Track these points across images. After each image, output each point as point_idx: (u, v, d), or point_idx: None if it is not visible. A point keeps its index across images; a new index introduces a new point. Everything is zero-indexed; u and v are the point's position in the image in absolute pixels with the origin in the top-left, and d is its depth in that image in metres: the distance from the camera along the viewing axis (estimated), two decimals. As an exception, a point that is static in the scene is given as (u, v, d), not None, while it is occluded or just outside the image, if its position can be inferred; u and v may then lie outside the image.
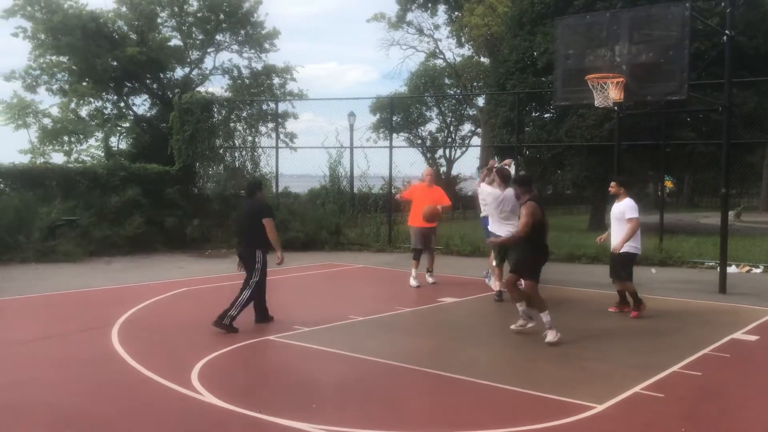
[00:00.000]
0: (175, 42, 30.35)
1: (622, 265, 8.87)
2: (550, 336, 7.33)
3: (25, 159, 22.38)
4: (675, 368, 6.47)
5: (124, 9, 28.16)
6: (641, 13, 10.41)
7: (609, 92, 9.99)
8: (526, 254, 7.58)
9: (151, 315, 8.97)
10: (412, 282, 11.12)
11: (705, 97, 14.32)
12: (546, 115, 23.39)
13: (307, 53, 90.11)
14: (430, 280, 11.43)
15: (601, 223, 21.60)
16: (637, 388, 5.82)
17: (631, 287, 8.92)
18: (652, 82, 10.08)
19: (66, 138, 24.56)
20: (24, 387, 5.84)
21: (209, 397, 5.51)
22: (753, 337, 7.92)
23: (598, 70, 10.29)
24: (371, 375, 6.32)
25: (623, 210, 8.77)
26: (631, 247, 8.79)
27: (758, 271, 13.58)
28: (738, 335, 7.97)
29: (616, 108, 11.33)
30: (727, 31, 10.89)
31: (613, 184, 9.02)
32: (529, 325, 7.80)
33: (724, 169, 11.26)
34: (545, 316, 7.37)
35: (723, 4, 14.78)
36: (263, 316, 8.36)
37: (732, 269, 12.98)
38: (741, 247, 15.36)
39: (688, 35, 9.86)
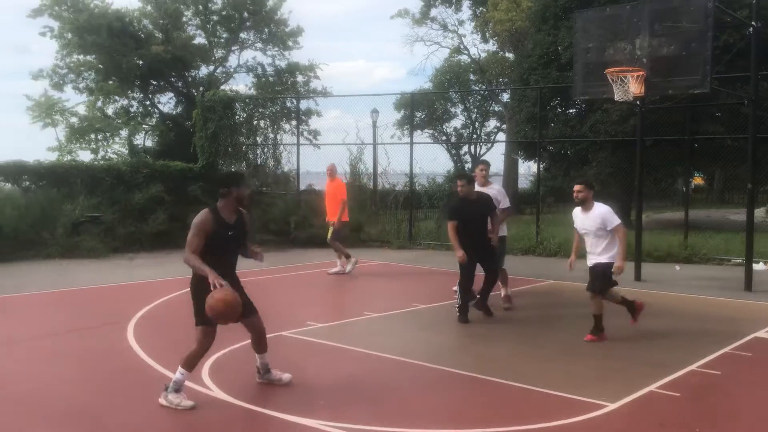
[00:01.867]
0: (200, 40, 30.58)
1: (601, 276, 7.32)
2: (165, 399, 5.21)
3: (52, 156, 22.66)
4: (693, 366, 6.34)
5: (149, 8, 28.45)
6: (663, 5, 10.16)
7: (629, 86, 9.80)
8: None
9: (169, 311, 9.03)
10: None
11: (732, 91, 14.03)
12: (570, 111, 23.10)
13: (335, 51, 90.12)
14: (339, 268, 12.12)
15: (624, 220, 21.28)
16: (652, 387, 5.70)
17: (600, 306, 7.41)
18: (674, 75, 9.84)
19: (93, 136, 24.82)
20: (38, 380, 5.90)
21: (218, 393, 5.51)
22: (777, 336, 7.74)
23: (618, 63, 10.09)
24: (383, 372, 6.28)
25: (603, 219, 7.23)
26: (611, 257, 7.29)
27: (786, 268, 13.27)
28: (762, 334, 7.77)
29: (637, 102, 11.13)
30: (753, 23, 10.66)
31: (579, 187, 7.37)
32: (284, 376, 5.79)
33: (751, 164, 11.03)
34: (179, 374, 5.29)
35: (749, -5, 14.47)
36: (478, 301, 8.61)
37: (759, 266, 12.69)
38: (769, 244, 15.02)
39: (712, 27, 9.63)
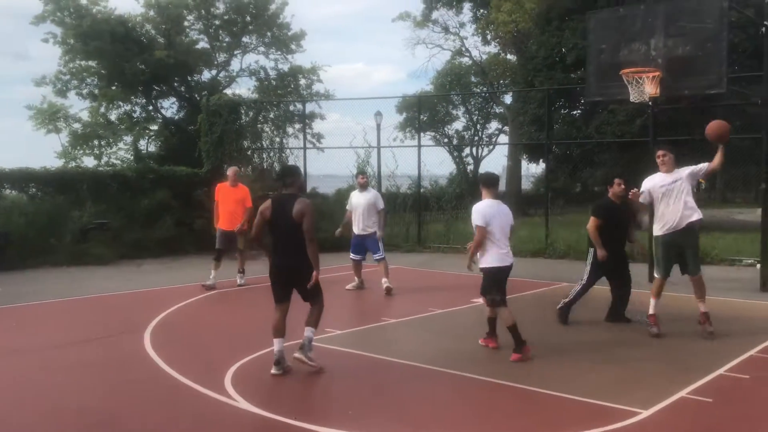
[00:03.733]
0: (202, 45, 30.47)
1: (493, 284, 6.89)
2: None
3: (59, 163, 22.59)
4: (721, 371, 6.26)
5: (151, 13, 28.35)
6: (677, 5, 10.14)
7: (645, 87, 9.74)
8: None
9: (183, 318, 8.94)
10: (208, 282, 10.94)
11: (742, 90, 13.98)
12: (575, 112, 23.09)
13: (335, 54, 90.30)
14: (239, 281, 11.41)
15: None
16: (683, 393, 5.62)
17: (510, 317, 6.79)
18: (689, 75, 9.80)
19: (96, 142, 24.76)
20: (56, 392, 5.81)
21: (243, 404, 5.41)
22: (800, 338, 7.64)
23: (632, 64, 10.03)
24: (408, 379, 6.19)
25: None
26: (493, 260, 6.84)
27: (800, 268, 13.18)
28: (784, 336, 7.69)
29: (650, 103, 11.07)
30: (766, 22, 10.61)
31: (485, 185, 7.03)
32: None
33: (766, 164, 10.96)
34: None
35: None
36: (616, 316, 8.53)
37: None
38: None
39: (726, 27, 9.59)
